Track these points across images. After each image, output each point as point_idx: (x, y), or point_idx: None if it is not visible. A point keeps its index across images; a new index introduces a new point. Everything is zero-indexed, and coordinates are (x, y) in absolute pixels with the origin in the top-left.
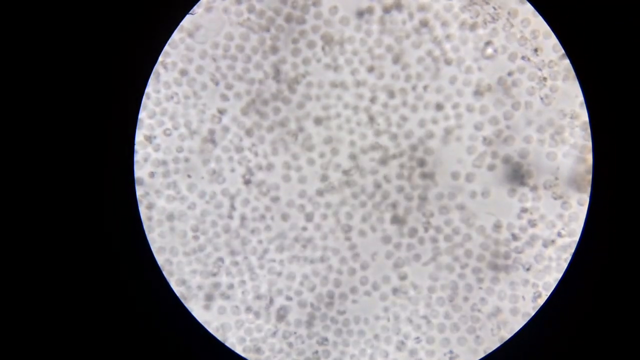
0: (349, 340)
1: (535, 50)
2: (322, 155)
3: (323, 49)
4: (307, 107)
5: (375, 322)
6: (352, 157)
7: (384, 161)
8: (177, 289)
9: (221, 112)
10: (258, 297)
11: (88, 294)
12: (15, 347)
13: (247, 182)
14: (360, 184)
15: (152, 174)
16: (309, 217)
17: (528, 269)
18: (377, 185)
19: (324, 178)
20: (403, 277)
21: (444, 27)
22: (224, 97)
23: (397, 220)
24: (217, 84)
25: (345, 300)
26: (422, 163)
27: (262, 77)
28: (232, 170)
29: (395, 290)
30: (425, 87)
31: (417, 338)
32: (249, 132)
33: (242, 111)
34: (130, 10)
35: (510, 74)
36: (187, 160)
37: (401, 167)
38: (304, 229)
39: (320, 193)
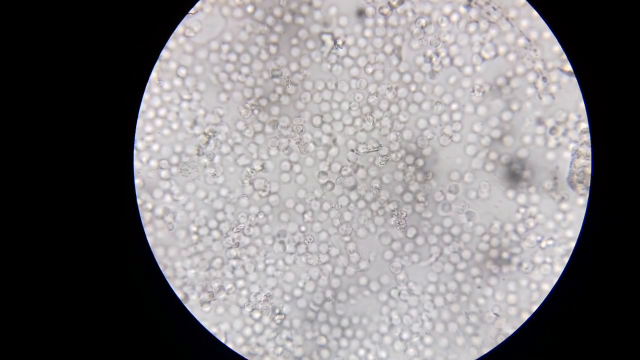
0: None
1: (535, 50)
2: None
3: (335, 42)
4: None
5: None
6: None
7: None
8: (177, 288)
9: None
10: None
11: (87, 294)
12: (13, 346)
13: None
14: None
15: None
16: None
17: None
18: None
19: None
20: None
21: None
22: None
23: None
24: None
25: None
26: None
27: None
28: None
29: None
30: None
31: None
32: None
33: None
34: (130, 9)
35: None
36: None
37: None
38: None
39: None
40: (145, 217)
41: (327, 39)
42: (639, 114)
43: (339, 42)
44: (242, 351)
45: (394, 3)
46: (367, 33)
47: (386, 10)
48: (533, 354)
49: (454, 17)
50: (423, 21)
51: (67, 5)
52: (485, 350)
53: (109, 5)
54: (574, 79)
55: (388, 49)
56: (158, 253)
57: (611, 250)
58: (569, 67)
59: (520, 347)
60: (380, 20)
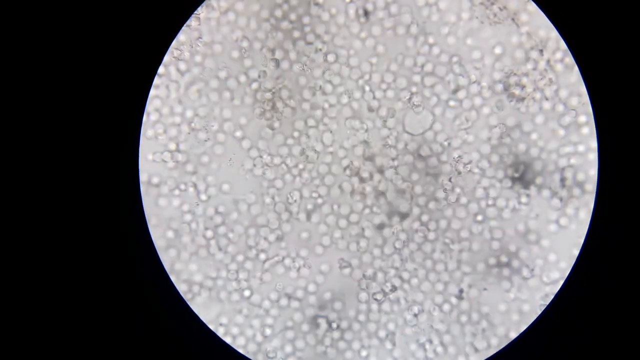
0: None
1: (541, 50)
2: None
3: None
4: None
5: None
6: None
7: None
8: (181, 287)
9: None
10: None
11: (89, 293)
12: (14, 344)
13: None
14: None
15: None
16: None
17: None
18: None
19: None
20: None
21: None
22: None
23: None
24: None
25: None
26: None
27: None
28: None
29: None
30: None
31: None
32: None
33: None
34: (136, 10)
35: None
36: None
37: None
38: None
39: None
40: (150, 216)
41: (322, 321)
42: None
43: (334, 325)
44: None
45: (387, 290)
46: (361, 317)
47: (379, 296)
48: (538, 355)
49: (446, 307)
50: (415, 309)
51: (72, 3)
52: (494, 350)
53: (116, 3)
54: (581, 79)
55: (382, 333)
56: (163, 252)
57: (617, 254)
58: (575, 67)
59: (526, 348)
60: (374, 306)
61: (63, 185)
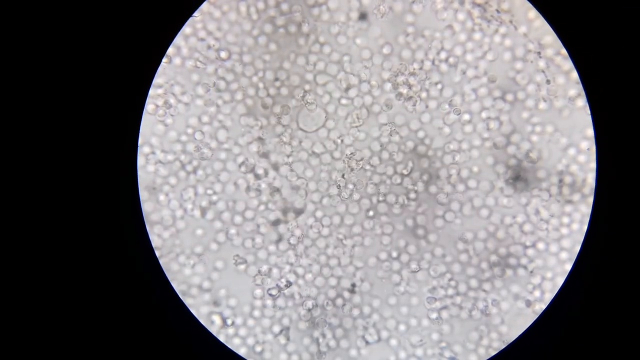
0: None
1: (539, 53)
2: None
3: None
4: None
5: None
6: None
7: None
8: (179, 288)
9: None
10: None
11: (85, 292)
12: (13, 344)
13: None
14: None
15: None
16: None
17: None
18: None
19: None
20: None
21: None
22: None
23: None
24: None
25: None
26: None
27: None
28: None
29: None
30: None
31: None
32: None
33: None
34: (135, 13)
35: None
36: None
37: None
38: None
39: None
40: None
41: (217, 318)
42: None
43: (228, 321)
44: (241, 352)
45: (282, 285)
46: (256, 313)
47: (274, 291)
48: (537, 355)
49: (339, 301)
50: (310, 303)
51: (71, 6)
52: (491, 353)
53: (115, 6)
54: (578, 80)
55: (276, 329)
56: (160, 252)
57: (615, 255)
58: (573, 68)
59: (525, 349)
60: (269, 301)
61: (62, 187)
